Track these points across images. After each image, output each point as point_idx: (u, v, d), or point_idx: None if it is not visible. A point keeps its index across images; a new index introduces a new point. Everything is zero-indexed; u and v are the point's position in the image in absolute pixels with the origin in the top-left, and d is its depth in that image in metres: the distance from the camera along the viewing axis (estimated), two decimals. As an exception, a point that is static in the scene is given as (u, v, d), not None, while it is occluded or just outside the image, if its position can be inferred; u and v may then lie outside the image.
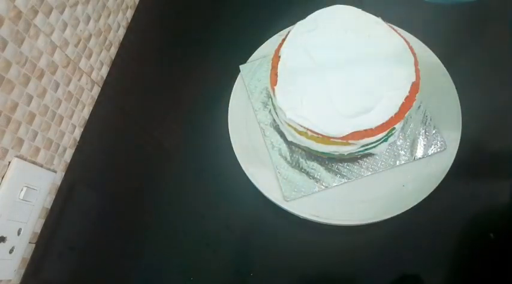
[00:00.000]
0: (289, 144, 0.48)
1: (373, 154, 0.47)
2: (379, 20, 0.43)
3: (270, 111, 0.50)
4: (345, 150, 0.43)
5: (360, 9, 0.44)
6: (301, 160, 0.48)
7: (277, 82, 0.42)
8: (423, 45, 0.50)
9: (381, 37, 0.42)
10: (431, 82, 0.45)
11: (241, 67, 0.53)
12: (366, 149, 0.43)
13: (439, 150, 0.46)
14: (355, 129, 0.40)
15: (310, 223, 0.45)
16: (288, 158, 0.48)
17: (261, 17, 0.58)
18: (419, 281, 0.45)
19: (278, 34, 0.53)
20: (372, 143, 0.42)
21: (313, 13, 0.45)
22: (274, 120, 0.48)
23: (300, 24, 0.45)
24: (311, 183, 0.47)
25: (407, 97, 0.40)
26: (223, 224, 0.48)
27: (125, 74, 0.58)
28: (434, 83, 0.48)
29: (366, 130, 0.40)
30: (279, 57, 0.43)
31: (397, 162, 0.46)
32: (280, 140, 0.49)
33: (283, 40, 0.45)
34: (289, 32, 0.45)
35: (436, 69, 0.49)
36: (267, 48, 0.53)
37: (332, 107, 0.40)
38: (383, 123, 0.40)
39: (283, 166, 0.48)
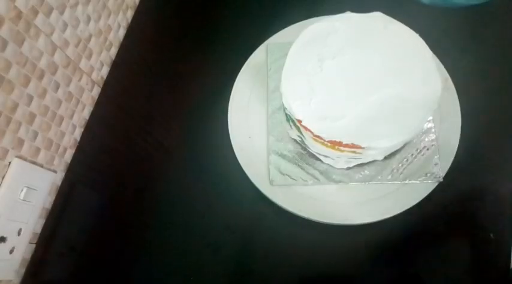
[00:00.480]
0: (292, 133, 0.48)
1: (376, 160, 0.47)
2: (421, 40, 0.42)
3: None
4: (344, 155, 0.43)
5: (403, 24, 0.43)
6: (301, 153, 0.48)
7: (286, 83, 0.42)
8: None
9: (413, 57, 0.42)
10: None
11: (269, 45, 0.53)
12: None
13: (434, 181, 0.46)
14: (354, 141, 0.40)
15: (310, 223, 0.46)
16: (287, 149, 0.48)
17: (262, 16, 0.58)
18: (420, 281, 0.45)
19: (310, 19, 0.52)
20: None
21: (346, 13, 0.44)
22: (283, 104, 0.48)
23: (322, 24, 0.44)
24: (304, 175, 0.47)
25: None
26: (223, 224, 0.48)
27: (125, 74, 0.58)
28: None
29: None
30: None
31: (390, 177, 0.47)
32: (283, 129, 0.49)
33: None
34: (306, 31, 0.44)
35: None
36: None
37: (342, 112, 0.40)
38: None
39: (278, 152, 0.48)
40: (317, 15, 0.52)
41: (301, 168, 0.47)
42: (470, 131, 0.47)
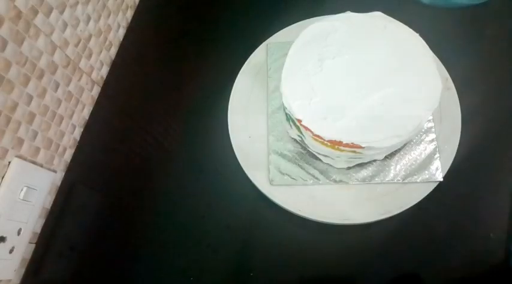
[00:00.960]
0: (292, 133, 0.48)
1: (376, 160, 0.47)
2: (421, 40, 0.42)
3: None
4: (343, 154, 0.43)
5: (403, 24, 0.43)
6: (301, 152, 0.48)
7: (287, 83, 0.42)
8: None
9: (413, 57, 0.42)
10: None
11: (269, 45, 0.53)
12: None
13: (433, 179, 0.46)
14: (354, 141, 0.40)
15: (310, 223, 0.45)
16: (287, 149, 0.48)
17: (262, 16, 0.58)
18: (420, 281, 0.45)
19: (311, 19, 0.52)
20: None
21: (344, 14, 0.44)
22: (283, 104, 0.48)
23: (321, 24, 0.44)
24: (304, 175, 0.47)
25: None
26: (223, 225, 0.48)
27: (125, 74, 0.58)
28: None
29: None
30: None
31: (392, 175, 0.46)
32: (282, 128, 0.49)
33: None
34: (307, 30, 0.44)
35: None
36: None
37: (341, 112, 0.40)
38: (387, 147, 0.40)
39: (278, 152, 0.48)
40: (317, 15, 0.52)
41: (301, 168, 0.47)
42: (470, 131, 0.47)
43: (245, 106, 0.51)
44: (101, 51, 0.55)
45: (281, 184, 0.46)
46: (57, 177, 0.51)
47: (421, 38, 0.42)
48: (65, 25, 0.48)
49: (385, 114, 0.40)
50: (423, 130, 0.47)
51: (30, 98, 0.44)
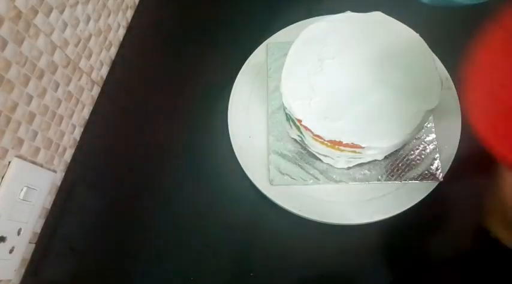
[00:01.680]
0: (291, 133, 0.48)
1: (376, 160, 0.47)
2: (421, 40, 0.43)
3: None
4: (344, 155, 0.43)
5: (403, 23, 0.43)
6: (301, 152, 0.48)
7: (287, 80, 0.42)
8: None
9: (413, 57, 0.42)
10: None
11: (269, 45, 0.53)
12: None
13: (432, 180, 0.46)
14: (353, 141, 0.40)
15: (310, 223, 0.45)
16: (287, 149, 0.48)
17: (262, 16, 0.58)
18: (420, 281, 0.45)
19: (313, 18, 0.52)
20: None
21: (345, 13, 0.44)
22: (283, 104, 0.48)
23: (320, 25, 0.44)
24: (304, 175, 0.47)
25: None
26: (223, 225, 0.48)
27: (125, 74, 0.58)
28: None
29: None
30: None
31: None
32: (282, 128, 0.49)
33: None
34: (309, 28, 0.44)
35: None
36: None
37: (340, 113, 0.40)
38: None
39: (278, 152, 0.48)
40: (317, 15, 0.52)
41: (301, 168, 0.47)
42: (470, 131, 0.47)
43: (245, 106, 0.51)
44: (100, 51, 0.55)
45: (281, 184, 0.46)
46: (57, 177, 0.51)
47: (421, 38, 0.42)
48: (65, 25, 0.48)
49: (385, 113, 0.40)
50: (423, 130, 0.47)
51: (30, 98, 0.44)
